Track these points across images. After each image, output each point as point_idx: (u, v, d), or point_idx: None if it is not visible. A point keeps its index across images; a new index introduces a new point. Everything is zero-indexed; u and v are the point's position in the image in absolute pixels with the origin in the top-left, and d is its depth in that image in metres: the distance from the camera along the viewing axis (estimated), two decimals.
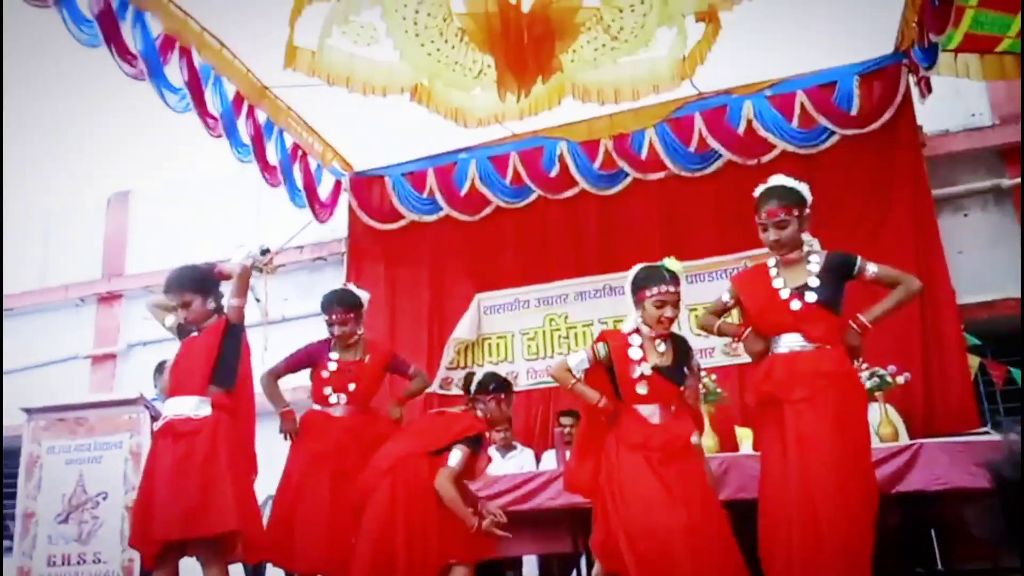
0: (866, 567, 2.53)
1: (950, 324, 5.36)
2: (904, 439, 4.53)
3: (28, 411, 6.54)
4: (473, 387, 3.54)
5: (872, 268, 2.88)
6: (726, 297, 3.13)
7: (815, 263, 2.91)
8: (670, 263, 3.15)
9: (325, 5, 4.64)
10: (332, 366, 3.69)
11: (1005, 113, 6.10)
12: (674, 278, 3.07)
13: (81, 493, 5.93)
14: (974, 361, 5.39)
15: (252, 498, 3.36)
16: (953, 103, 6.13)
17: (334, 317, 3.75)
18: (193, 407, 3.32)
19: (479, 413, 3.48)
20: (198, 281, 3.59)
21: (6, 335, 8.62)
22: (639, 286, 3.10)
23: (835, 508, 2.53)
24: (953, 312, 5.39)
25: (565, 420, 5.35)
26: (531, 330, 6.39)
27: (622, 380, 3.04)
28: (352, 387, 3.70)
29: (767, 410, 2.82)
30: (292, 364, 3.74)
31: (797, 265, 2.92)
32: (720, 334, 3.21)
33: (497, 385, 3.54)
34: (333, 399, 3.68)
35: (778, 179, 3.00)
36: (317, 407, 3.68)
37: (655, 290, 3.03)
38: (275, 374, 3.69)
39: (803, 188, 2.95)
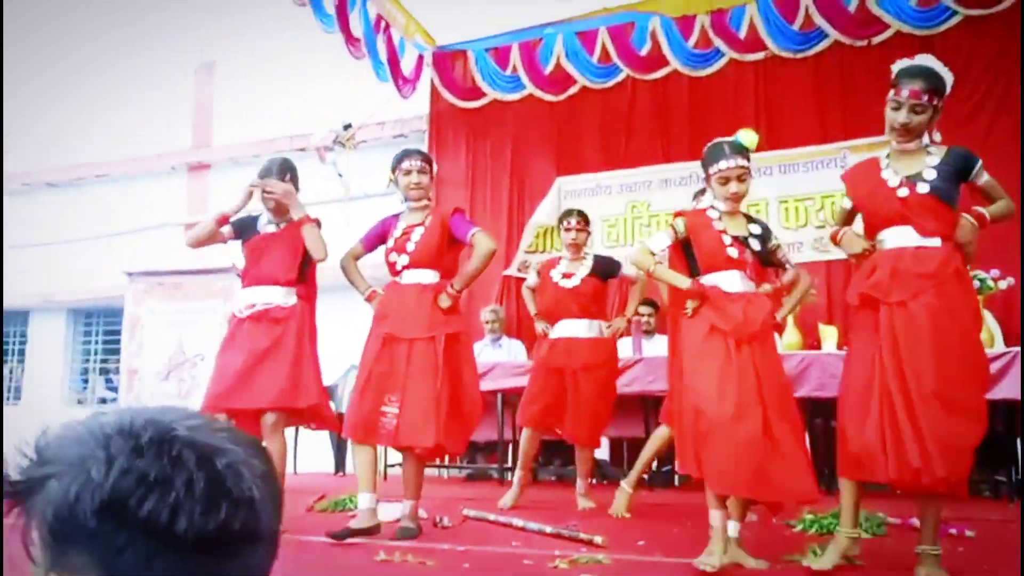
0: (959, 471, 2.48)
1: None
2: (1000, 346, 4.36)
3: (130, 274, 6.92)
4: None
5: (986, 176, 2.68)
6: (847, 203, 2.93)
7: (935, 155, 2.69)
8: (742, 135, 3.01)
9: None
10: (397, 232, 3.59)
11: None
12: (737, 151, 2.93)
13: (180, 354, 6.32)
14: None
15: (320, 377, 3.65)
16: None
17: (408, 164, 3.54)
18: (283, 296, 3.54)
19: None
20: (295, 175, 3.69)
21: (106, 200, 9.02)
22: (705, 165, 3.01)
23: (932, 407, 2.46)
24: None
25: (643, 309, 5.33)
26: (612, 217, 6.29)
27: (701, 249, 2.97)
28: (411, 247, 3.46)
29: (864, 311, 2.71)
30: (368, 241, 3.71)
31: (914, 156, 2.71)
32: (835, 243, 2.98)
33: None
34: (398, 264, 3.53)
35: (927, 59, 2.73)
36: (392, 279, 3.65)
37: (717, 166, 2.93)
38: (355, 255, 3.70)
39: (949, 77, 2.70)
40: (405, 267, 3.49)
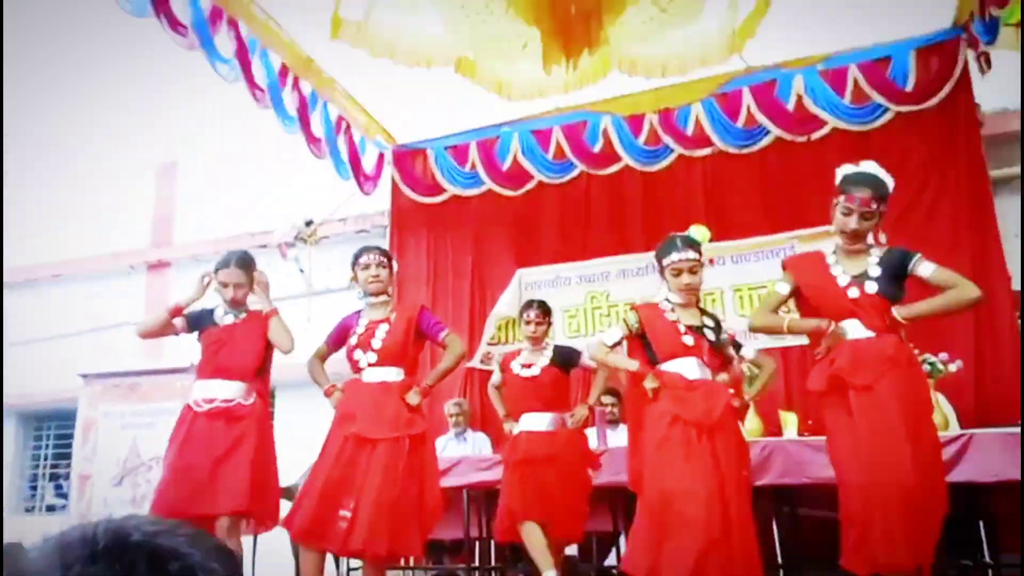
0: (932, 544, 2.53)
1: (1004, 311, 5.21)
2: (955, 428, 4.45)
3: (84, 376, 6.76)
4: None
5: (927, 268, 2.78)
6: (783, 288, 3.01)
7: (875, 255, 2.85)
8: (694, 230, 3.15)
9: None
10: (360, 328, 3.58)
11: None
12: (690, 245, 3.06)
13: (135, 457, 6.14)
14: None
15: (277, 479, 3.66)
16: (1013, 80, 5.88)
17: (366, 259, 3.54)
18: (244, 393, 3.50)
19: None
20: (254, 267, 3.72)
21: (61, 300, 8.88)
22: (659, 258, 3.14)
23: (911, 489, 2.52)
24: (1008, 298, 5.24)
25: (606, 399, 5.36)
26: (573, 307, 6.38)
27: (656, 339, 3.05)
28: (377, 344, 3.44)
29: (832, 396, 2.78)
30: (333, 341, 3.70)
31: (857, 255, 2.86)
32: (793, 332, 3.04)
33: None
34: (362, 361, 3.46)
35: (872, 166, 2.88)
36: (354, 376, 3.63)
37: (670, 259, 3.06)
38: (320, 356, 3.70)
39: (891, 183, 2.86)
40: (370, 364, 3.48)
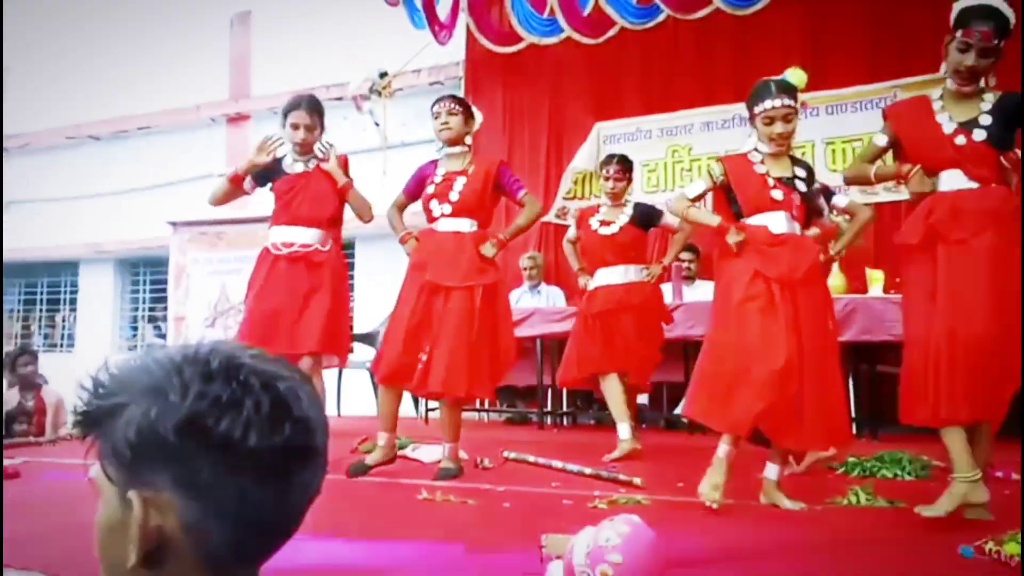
0: (1005, 400, 2.46)
1: None
2: None
3: (174, 224, 7.03)
4: None
5: None
6: (881, 139, 2.80)
7: (988, 100, 2.59)
8: (790, 73, 2.91)
9: None
10: (437, 179, 3.56)
11: None
12: (784, 91, 2.83)
13: (225, 301, 6.45)
14: None
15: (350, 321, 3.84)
16: None
17: (437, 107, 3.47)
18: (321, 239, 3.58)
19: None
20: (322, 112, 3.69)
21: (149, 152, 9.14)
22: (750, 105, 2.92)
23: (983, 346, 2.42)
24: None
25: (684, 255, 5.28)
26: (652, 162, 6.19)
27: (743, 192, 2.90)
28: (455, 196, 3.41)
29: (920, 250, 2.63)
30: (410, 190, 3.68)
31: (969, 99, 2.61)
32: (879, 180, 2.88)
33: None
34: (437, 211, 3.40)
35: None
36: (429, 225, 3.65)
37: (762, 106, 2.84)
38: (400, 206, 3.71)
39: (1013, 17, 2.57)
40: (445, 215, 3.47)
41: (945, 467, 3.23)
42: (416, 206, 3.72)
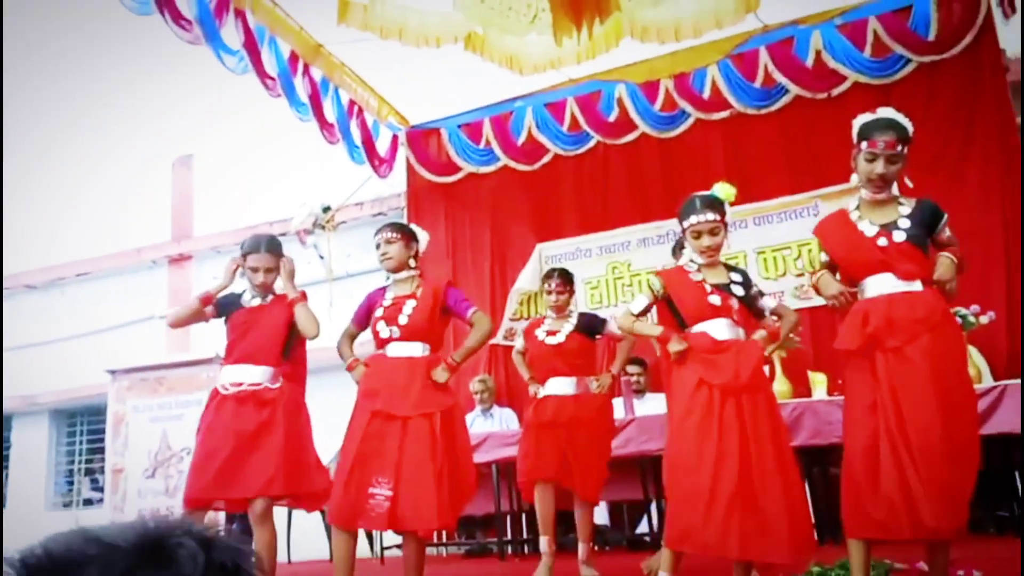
0: (963, 514, 2.45)
1: None
2: (988, 381, 4.37)
3: (112, 372, 6.84)
4: None
5: (947, 232, 2.74)
6: (824, 256, 2.96)
7: (905, 205, 2.75)
8: (718, 188, 3.06)
9: None
10: (387, 302, 3.55)
11: None
12: (708, 206, 2.97)
13: (166, 449, 6.21)
14: None
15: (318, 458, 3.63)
16: None
17: (377, 238, 3.51)
18: (270, 377, 3.48)
19: None
20: (281, 252, 3.69)
21: (86, 298, 8.98)
22: (680, 220, 3.05)
23: (936, 454, 2.45)
24: None
25: (632, 368, 5.32)
26: (594, 279, 6.33)
27: (683, 303, 2.98)
28: (404, 320, 3.38)
29: (857, 359, 2.71)
30: (360, 318, 3.67)
31: (885, 206, 2.77)
32: (817, 290, 2.99)
33: None
34: (385, 333, 3.37)
35: (890, 112, 2.80)
36: (378, 351, 3.61)
37: (689, 221, 2.98)
38: (350, 335, 3.69)
39: (910, 127, 2.77)
40: (395, 338, 3.45)
41: (907, 569, 3.22)
42: (365, 335, 3.70)
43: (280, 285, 3.72)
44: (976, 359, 4.49)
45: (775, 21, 5.76)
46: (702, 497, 2.63)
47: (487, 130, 6.79)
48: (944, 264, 2.64)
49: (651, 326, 3.09)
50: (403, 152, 7.12)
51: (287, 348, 3.61)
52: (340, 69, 6.14)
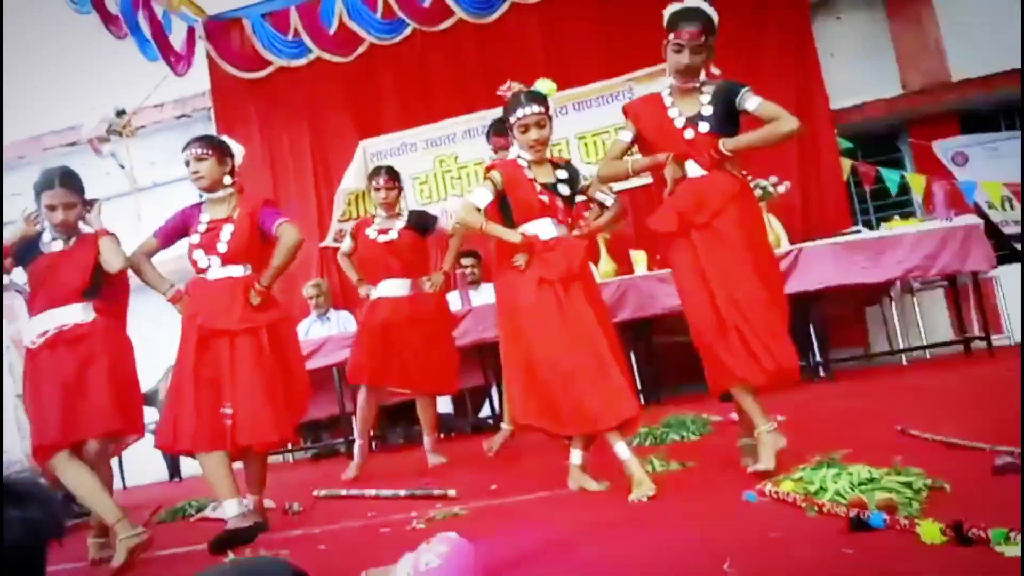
0: (796, 356, 2.76)
1: (825, 130, 5.56)
2: (785, 245, 4.80)
3: None
4: None
5: (752, 102, 2.85)
6: (626, 136, 3.04)
7: (707, 92, 2.89)
8: (540, 83, 3.09)
9: None
10: (201, 227, 3.30)
11: None
12: (534, 99, 3.01)
13: None
14: (846, 164, 5.65)
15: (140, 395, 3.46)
16: None
17: (185, 154, 3.21)
18: (79, 313, 3.19)
19: None
20: (80, 184, 3.30)
21: None
22: (505, 116, 3.07)
23: (762, 308, 2.72)
24: (827, 117, 5.58)
25: (466, 261, 5.38)
26: (422, 174, 6.24)
27: (516, 201, 3.03)
28: (223, 247, 3.22)
29: (677, 237, 2.89)
30: (166, 235, 3.38)
31: (691, 95, 2.90)
32: (638, 172, 3.09)
33: None
34: (204, 263, 3.21)
35: (696, 1, 2.87)
36: (198, 276, 3.40)
37: (515, 115, 3.01)
38: (149, 251, 3.38)
39: (716, 16, 2.86)
40: (214, 267, 3.27)
41: (724, 422, 3.57)
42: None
43: (90, 195, 3.37)
44: (776, 226, 4.90)
45: None
46: (556, 379, 2.77)
47: (294, 19, 6.35)
48: (729, 142, 2.83)
49: (506, 230, 3.07)
50: (202, 46, 6.54)
51: (93, 286, 3.31)
52: None
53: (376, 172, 4.22)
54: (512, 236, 3.03)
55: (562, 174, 3.12)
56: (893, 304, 5.45)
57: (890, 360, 5.26)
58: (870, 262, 4.57)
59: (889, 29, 6.04)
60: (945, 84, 5.90)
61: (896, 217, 5.18)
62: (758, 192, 4.57)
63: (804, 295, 4.55)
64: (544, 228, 3.00)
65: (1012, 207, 5.96)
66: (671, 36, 2.81)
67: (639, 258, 5.02)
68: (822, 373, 4.82)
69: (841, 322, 5.37)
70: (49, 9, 5.10)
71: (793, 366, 2.75)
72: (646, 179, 5.14)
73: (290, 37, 6.37)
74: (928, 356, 5.26)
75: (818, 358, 4.83)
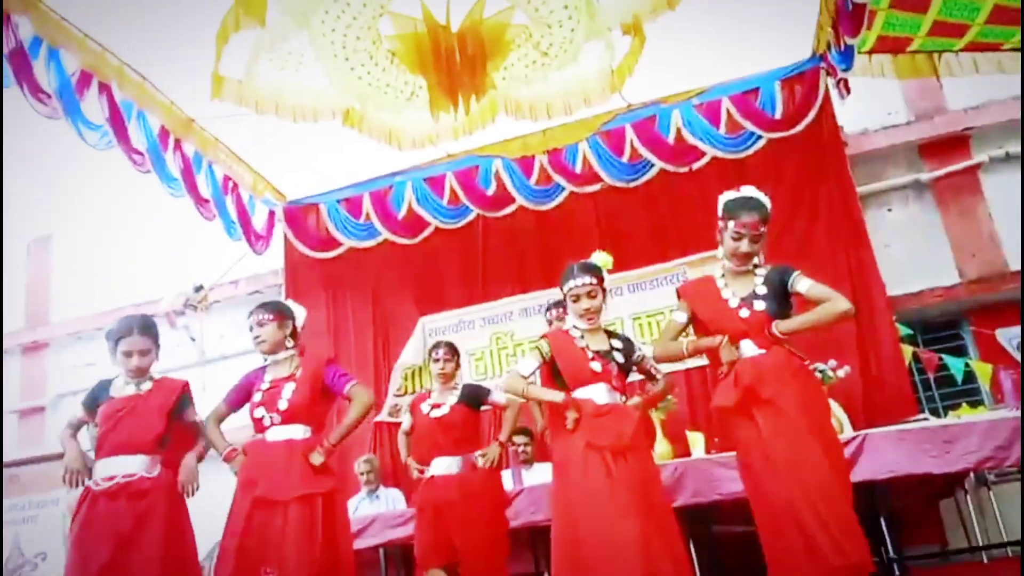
0: (867, 545, 2.60)
1: (883, 316, 5.53)
2: (848, 432, 4.64)
3: None
4: None
5: (803, 284, 2.92)
6: (680, 317, 3.13)
7: (760, 274, 2.98)
8: (595, 256, 3.23)
9: (251, 33, 4.56)
10: (264, 385, 3.40)
11: (920, 110, 6.36)
12: (585, 271, 3.14)
13: (19, 556, 5.63)
14: (907, 351, 5.56)
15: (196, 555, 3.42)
16: (870, 102, 6.35)
17: (249, 321, 3.43)
18: (146, 466, 3.25)
19: None
20: (157, 333, 3.51)
21: None
22: (561, 287, 3.20)
23: (833, 490, 2.60)
24: (885, 304, 5.57)
25: (519, 439, 5.33)
26: (478, 350, 6.36)
27: (566, 367, 3.07)
28: (283, 404, 3.29)
29: (736, 413, 2.85)
30: (233, 400, 3.49)
31: (746, 276, 3.00)
32: (693, 354, 3.12)
33: None
34: (266, 421, 3.27)
35: (752, 191, 3.02)
36: (257, 436, 3.45)
37: (567, 286, 3.14)
38: (218, 417, 3.49)
39: (769, 205, 3.01)
40: (275, 424, 3.33)
41: None
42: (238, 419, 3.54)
43: (156, 368, 3.54)
44: (837, 412, 4.77)
45: (638, 101, 6.13)
46: (608, 549, 2.66)
47: (367, 204, 6.79)
48: (783, 323, 2.86)
49: (549, 391, 3.12)
50: (280, 228, 7.00)
51: (165, 438, 3.40)
52: (214, 144, 6.02)
53: (436, 346, 4.35)
54: (554, 396, 3.05)
55: (617, 343, 3.17)
56: (968, 497, 5.14)
57: (970, 558, 4.89)
58: (940, 451, 4.36)
59: (942, 220, 6.15)
60: (1002, 274, 5.89)
61: (964, 404, 5.01)
62: (817, 375, 4.50)
63: (872, 485, 4.34)
64: (598, 393, 3.01)
65: None
66: (731, 223, 2.94)
67: (696, 440, 4.90)
68: (897, 572, 4.49)
69: (914, 517, 5.06)
70: (142, 186, 5.58)
71: (864, 559, 2.59)
72: (702, 360, 5.16)
73: (362, 220, 6.80)
74: (1009, 554, 4.88)
75: (892, 554, 4.52)
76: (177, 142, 5.68)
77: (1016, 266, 5.85)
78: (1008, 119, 6.07)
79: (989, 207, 6.07)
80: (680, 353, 3.10)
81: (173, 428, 3.44)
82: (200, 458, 3.47)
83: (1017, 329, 5.99)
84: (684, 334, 3.17)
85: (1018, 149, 6.05)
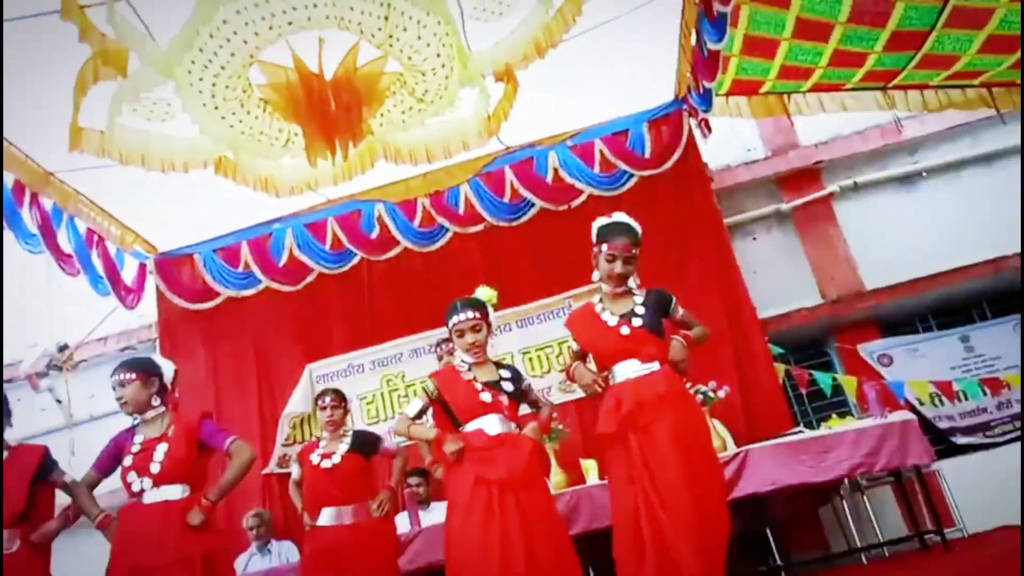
0: (720, 567, 2.68)
1: (756, 338, 5.85)
2: (732, 448, 4.86)
3: None
4: None
5: (681, 310, 3.15)
6: (575, 345, 3.27)
7: (639, 296, 3.12)
8: (479, 291, 3.29)
9: (111, 84, 4.39)
10: (135, 448, 3.21)
11: (775, 145, 6.85)
12: (469, 306, 3.19)
13: None
14: (780, 369, 5.89)
15: None
16: (731, 140, 6.80)
17: (113, 380, 3.26)
18: (5, 541, 3.03)
19: None
20: (143, 365, 3.29)
21: None
22: (446, 323, 3.24)
23: (688, 515, 2.67)
24: (757, 327, 5.89)
25: (413, 479, 5.26)
26: (369, 393, 6.26)
27: (455, 400, 3.10)
28: (155, 468, 3.11)
29: (614, 438, 2.94)
30: (103, 465, 3.26)
31: (622, 298, 3.12)
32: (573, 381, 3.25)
33: None
34: (137, 486, 3.11)
35: (623, 216, 3.18)
36: (131, 500, 3.25)
37: (451, 322, 3.19)
38: (90, 484, 3.28)
39: (640, 230, 3.16)
40: (148, 488, 3.15)
41: None
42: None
43: (10, 435, 3.30)
44: (720, 430, 4.99)
45: (515, 144, 6.31)
46: None
47: (245, 252, 6.61)
48: (674, 347, 3.00)
49: (426, 428, 3.15)
50: (152, 281, 6.70)
51: (25, 511, 3.15)
52: (74, 197, 5.71)
53: (323, 393, 4.25)
54: (428, 433, 3.09)
55: (505, 373, 3.22)
56: (845, 503, 5.45)
57: (849, 560, 5.17)
58: (816, 461, 4.63)
59: (803, 246, 6.60)
60: (859, 293, 6.37)
61: (834, 416, 5.34)
62: (699, 397, 4.70)
63: (756, 497, 4.55)
64: (490, 424, 3.04)
65: (942, 403, 6.22)
66: (604, 247, 3.07)
67: (590, 467, 4.99)
68: None
69: (797, 525, 5.33)
70: None
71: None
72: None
73: (240, 270, 6.60)
74: (887, 553, 5.19)
75: (778, 561, 4.73)
76: (34, 196, 5.37)
77: (871, 286, 6.34)
78: (852, 152, 6.64)
79: (843, 232, 6.56)
80: (569, 375, 3.22)
81: (40, 496, 3.21)
82: (72, 519, 3.25)
83: (876, 343, 6.48)
84: (585, 360, 3.26)
85: (864, 179, 6.62)
